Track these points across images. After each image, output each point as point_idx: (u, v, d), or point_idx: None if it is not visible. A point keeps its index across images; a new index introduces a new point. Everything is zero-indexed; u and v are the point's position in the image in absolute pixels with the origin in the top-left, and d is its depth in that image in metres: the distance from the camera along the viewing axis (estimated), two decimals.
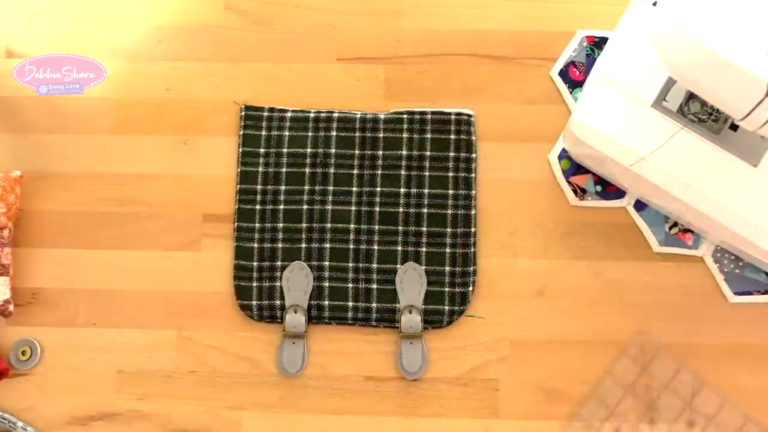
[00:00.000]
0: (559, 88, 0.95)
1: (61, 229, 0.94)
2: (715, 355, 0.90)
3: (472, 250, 0.92)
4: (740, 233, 0.83)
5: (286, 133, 0.94)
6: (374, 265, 0.92)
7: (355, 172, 0.93)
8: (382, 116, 0.94)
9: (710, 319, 0.91)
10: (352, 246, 0.92)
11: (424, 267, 0.91)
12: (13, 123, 0.96)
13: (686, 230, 0.92)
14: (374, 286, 0.91)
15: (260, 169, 0.94)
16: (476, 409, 0.90)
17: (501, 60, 0.96)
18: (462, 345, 0.91)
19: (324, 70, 0.97)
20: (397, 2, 0.98)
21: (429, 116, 0.94)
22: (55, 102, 0.97)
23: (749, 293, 0.91)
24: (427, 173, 0.93)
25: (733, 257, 0.91)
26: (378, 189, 0.93)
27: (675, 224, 0.92)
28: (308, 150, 0.94)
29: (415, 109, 0.94)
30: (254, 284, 0.92)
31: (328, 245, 0.92)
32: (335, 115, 0.95)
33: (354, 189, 0.93)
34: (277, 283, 0.92)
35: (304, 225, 0.92)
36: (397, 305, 0.91)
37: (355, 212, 0.93)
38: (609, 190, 0.93)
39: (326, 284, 0.91)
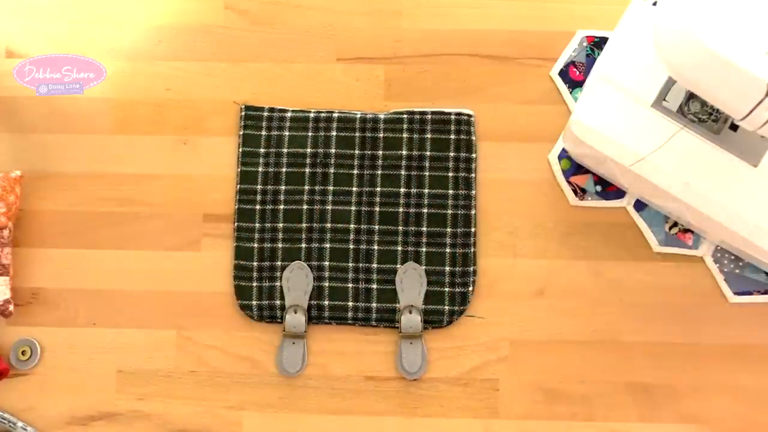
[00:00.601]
0: (559, 88, 0.95)
1: (61, 229, 0.94)
2: (715, 355, 0.90)
3: (472, 250, 0.92)
4: (740, 233, 0.83)
5: (286, 133, 0.94)
6: (374, 265, 0.92)
7: (355, 172, 0.93)
8: (382, 116, 0.94)
9: (710, 319, 0.91)
10: (352, 246, 0.92)
11: (424, 267, 0.91)
12: (13, 123, 0.96)
13: (686, 230, 0.92)
14: (374, 286, 0.91)
15: (260, 169, 0.94)
16: (476, 409, 0.90)
17: (501, 60, 0.96)
18: (462, 345, 0.91)
19: (324, 70, 0.97)
20: (397, 2, 0.98)
21: (429, 116, 0.94)
22: (55, 102, 0.97)
23: (749, 293, 0.91)
24: (427, 173, 0.93)
25: (733, 257, 0.91)
26: (378, 189, 0.93)
27: (675, 224, 0.92)
28: (308, 150, 0.94)
29: (415, 109, 0.94)
30: (254, 284, 0.92)
31: (328, 245, 0.92)
32: (335, 115, 0.95)
33: (354, 189, 0.93)
34: (277, 283, 0.92)
35: (304, 225, 0.92)
36: (397, 305, 0.91)
37: (355, 212, 0.93)
38: (609, 190, 0.93)
39: (326, 284, 0.91)
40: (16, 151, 0.95)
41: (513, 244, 0.93)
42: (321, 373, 0.91)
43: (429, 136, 0.94)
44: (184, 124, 0.96)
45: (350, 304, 0.91)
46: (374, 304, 0.91)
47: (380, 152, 0.94)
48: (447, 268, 0.91)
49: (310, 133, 0.94)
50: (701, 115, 0.84)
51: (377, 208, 0.93)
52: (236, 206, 0.93)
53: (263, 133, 0.94)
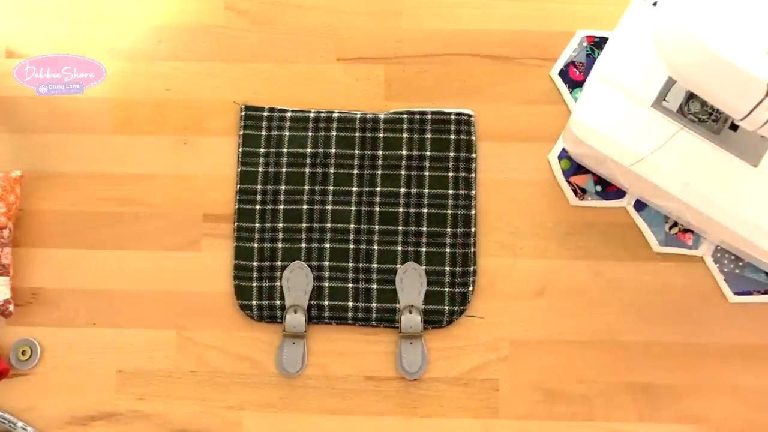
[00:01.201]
0: (559, 88, 0.95)
1: (61, 229, 0.94)
2: (715, 355, 0.90)
3: (472, 250, 0.92)
4: (740, 233, 0.83)
5: (286, 133, 0.94)
6: (374, 265, 0.92)
7: (355, 172, 0.93)
8: (382, 116, 0.94)
9: (710, 319, 0.91)
10: (352, 246, 0.92)
11: (424, 267, 0.91)
12: (13, 123, 0.96)
13: (686, 230, 0.92)
14: (374, 286, 0.91)
15: (260, 169, 0.94)
16: (476, 409, 0.90)
17: (501, 60, 0.96)
18: (462, 345, 0.91)
19: (324, 70, 0.97)
20: (397, 2, 0.98)
21: (429, 116, 0.94)
22: (55, 102, 0.97)
23: (749, 293, 0.91)
24: (427, 173, 0.93)
25: (733, 257, 0.91)
26: (378, 189, 0.93)
27: (675, 224, 0.92)
28: (308, 150, 0.94)
29: (415, 109, 0.94)
30: (254, 284, 0.92)
31: (328, 245, 0.92)
32: (335, 115, 0.95)
33: (354, 189, 0.93)
34: (277, 283, 0.92)
35: (304, 225, 0.92)
36: (397, 305, 0.91)
37: (355, 212, 0.93)
38: (609, 190, 0.93)
39: (326, 284, 0.91)
40: (16, 151, 0.95)
41: (513, 244, 0.93)
42: (321, 373, 0.91)
43: (429, 136, 0.94)
44: (184, 124, 0.96)
45: (350, 304, 0.91)
46: (374, 304, 0.91)
47: (380, 152, 0.94)
48: (447, 268, 0.91)
49: (310, 133, 0.94)
50: (701, 115, 0.84)
51: (377, 208, 0.93)
52: (236, 206, 0.93)
53: (263, 133, 0.94)
